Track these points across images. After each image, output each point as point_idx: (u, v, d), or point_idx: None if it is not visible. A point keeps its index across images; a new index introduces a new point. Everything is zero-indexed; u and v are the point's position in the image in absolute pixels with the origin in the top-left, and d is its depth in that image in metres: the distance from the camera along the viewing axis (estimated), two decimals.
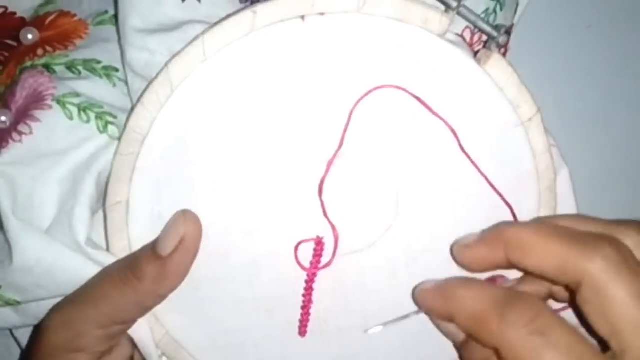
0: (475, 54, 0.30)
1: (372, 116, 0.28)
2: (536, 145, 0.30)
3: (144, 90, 0.27)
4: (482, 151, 0.29)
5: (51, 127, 0.29)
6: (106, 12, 0.32)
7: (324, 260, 0.29)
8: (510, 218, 0.30)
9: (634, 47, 0.44)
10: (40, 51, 0.31)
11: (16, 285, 0.28)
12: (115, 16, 0.31)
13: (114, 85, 0.31)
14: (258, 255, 0.29)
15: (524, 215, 0.30)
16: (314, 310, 0.29)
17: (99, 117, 0.29)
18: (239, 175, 0.28)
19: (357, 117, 0.28)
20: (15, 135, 0.29)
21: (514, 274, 0.29)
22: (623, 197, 0.45)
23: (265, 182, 0.28)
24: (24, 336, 0.32)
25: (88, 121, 0.29)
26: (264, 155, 0.28)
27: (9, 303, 0.29)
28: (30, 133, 0.29)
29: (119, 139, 0.28)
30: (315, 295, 0.29)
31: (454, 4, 0.28)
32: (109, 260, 0.28)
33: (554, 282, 0.25)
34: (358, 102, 0.28)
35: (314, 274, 0.29)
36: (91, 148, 0.29)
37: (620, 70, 0.44)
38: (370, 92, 0.28)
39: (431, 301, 0.27)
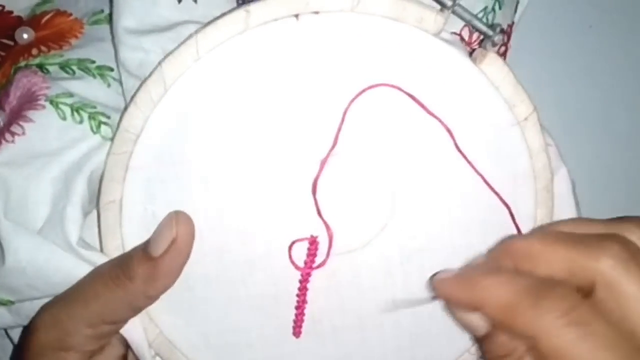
0: (471, 53, 0.30)
1: (367, 115, 0.28)
2: (532, 144, 0.30)
3: (137, 90, 0.27)
4: (477, 150, 0.30)
5: (44, 128, 0.29)
6: (102, 11, 0.33)
7: (319, 259, 0.29)
8: (508, 218, 0.31)
9: (635, 47, 0.45)
10: (34, 51, 0.31)
11: (9, 285, 0.28)
12: (110, 15, 0.31)
13: (108, 85, 0.31)
14: (252, 254, 0.29)
15: (521, 215, 0.31)
16: (308, 310, 0.30)
17: (92, 117, 0.30)
18: (232, 175, 0.28)
19: (351, 116, 0.28)
20: (7, 136, 0.29)
21: None
22: (623, 197, 0.45)
23: (259, 181, 0.28)
24: (19, 336, 0.33)
25: (81, 121, 0.30)
26: (258, 154, 0.28)
27: (2, 303, 0.29)
28: (23, 134, 0.29)
29: (112, 138, 0.28)
30: (309, 295, 0.30)
31: (449, 3, 0.29)
32: (101, 260, 0.28)
33: None
34: (352, 101, 0.28)
35: (308, 274, 0.29)
36: (84, 148, 0.29)
37: (621, 70, 0.45)
38: (364, 90, 0.28)
39: (454, 290, 0.26)
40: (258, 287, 0.29)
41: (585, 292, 0.24)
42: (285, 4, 0.27)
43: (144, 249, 0.27)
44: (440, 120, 0.29)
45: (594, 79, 0.45)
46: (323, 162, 0.28)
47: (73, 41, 0.32)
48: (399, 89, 0.28)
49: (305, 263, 0.29)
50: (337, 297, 0.30)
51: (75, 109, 0.30)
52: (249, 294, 0.29)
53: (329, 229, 0.29)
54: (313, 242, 0.29)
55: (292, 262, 0.29)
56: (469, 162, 0.29)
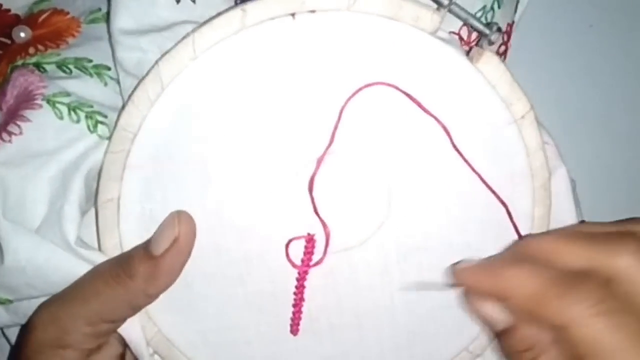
0: (468, 52, 0.31)
1: (364, 113, 0.29)
2: (529, 142, 0.31)
3: (135, 88, 0.28)
4: (474, 149, 0.30)
5: (41, 127, 0.30)
6: (99, 9, 0.33)
7: (316, 257, 0.30)
8: (505, 217, 0.32)
9: (636, 47, 0.45)
10: (32, 49, 0.32)
11: (8, 285, 0.29)
12: (108, 14, 0.32)
13: (105, 84, 0.32)
14: (249, 252, 0.30)
15: (519, 214, 0.31)
16: (305, 308, 0.30)
17: (88, 116, 0.31)
18: (229, 173, 0.29)
19: (348, 114, 0.29)
20: (5, 136, 0.30)
21: None
22: (623, 197, 0.46)
23: (256, 179, 0.29)
24: (15, 335, 0.33)
25: (78, 121, 0.30)
26: (255, 153, 0.29)
27: (0, 302, 0.30)
28: (21, 133, 0.30)
29: (110, 137, 0.29)
30: (307, 293, 0.30)
31: (446, 2, 0.29)
32: (99, 259, 0.29)
33: None
34: (349, 99, 0.29)
35: (305, 272, 0.30)
36: (81, 148, 0.30)
37: (621, 70, 0.45)
38: (360, 89, 0.29)
39: (477, 279, 0.26)
40: (256, 284, 0.30)
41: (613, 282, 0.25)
42: (281, 3, 0.28)
43: (145, 248, 0.28)
44: (437, 119, 0.30)
45: (594, 79, 0.45)
46: (320, 160, 0.29)
47: (70, 40, 0.32)
48: (396, 87, 0.29)
49: (302, 261, 0.30)
50: (335, 295, 0.31)
51: (72, 108, 0.30)
52: (247, 292, 0.30)
53: (325, 227, 0.30)
54: (310, 240, 0.30)
55: (289, 260, 0.30)
56: (465, 160, 0.30)
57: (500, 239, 0.31)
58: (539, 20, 0.43)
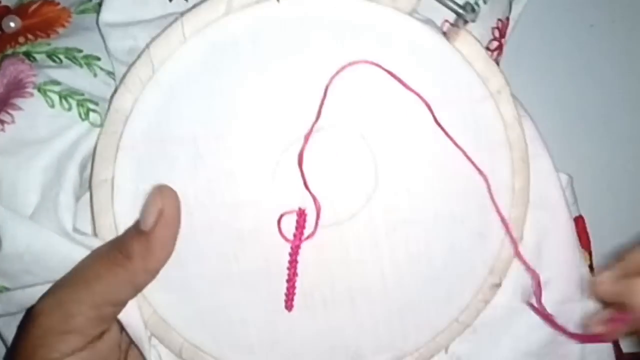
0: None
1: (349, 91, 0.31)
2: (506, 115, 0.33)
3: (126, 71, 0.30)
4: (455, 123, 0.32)
5: (33, 115, 0.31)
6: (90, 0, 0.35)
7: (307, 232, 0.32)
8: (489, 186, 0.34)
9: (636, 47, 0.47)
10: (21, 39, 0.33)
11: (5, 271, 0.30)
12: (99, 4, 0.34)
13: (95, 74, 0.33)
14: (242, 230, 0.31)
15: (499, 185, 0.34)
16: (299, 283, 0.32)
17: (80, 104, 0.32)
18: (220, 151, 0.31)
19: (333, 92, 0.31)
20: None
21: None
22: (623, 197, 0.47)
23: (246, 156, 0.31)
24: (5, 327, 0.34)
25: (69, 109, 0.32)
26: (244, 131, 0.31)
27: None
28: (13, 122, 0.31)
29: (103, 119, 0.30)
30: (300, 269, 0.32)
31: None
32: (96, 244, 0.30)
33: None
34: (333, 77, 0.31)
35: (298, 246, 0.31)
36: (73, 135, 0.31)
37: (622, 70, 0.46)
38: (345, 67, 0.31)
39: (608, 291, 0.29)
40: (249, 262, 0.32)
41: None
42: None
43: (135, 226, 0.29)
44: (419, 95, 0.32)
45: (594, 79, 0.46)
46: (307, 136, 0.31)
47: (60, 30, 0.34)
48: (378, 65, 0.31)
49: (295, 236, 0.31)
50: (327, 270, 0.32)
51: (63, 97, 0.32)
52: (241, 270, 0.32)
53: (316, 201, 0.31)
54: (301, 214, 0.31)
55: (282, 235, 0.31)
56: (447, 134, 0.32)
57: (483, 209, 0.33)
58: (538, 20, 0.44)
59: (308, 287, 0.32)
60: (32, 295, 0.30)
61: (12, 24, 0.33)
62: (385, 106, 0.32)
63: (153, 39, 0.30)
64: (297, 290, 0.32)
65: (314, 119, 0.31)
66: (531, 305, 0.34)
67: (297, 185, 0.31)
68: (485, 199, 0.33)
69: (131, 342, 0.32)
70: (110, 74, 0.33)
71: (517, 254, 0.34)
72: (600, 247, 0.40)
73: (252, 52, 0.30)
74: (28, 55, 0.33)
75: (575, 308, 0.35)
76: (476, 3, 0.35)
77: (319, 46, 0.31)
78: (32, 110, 0.31)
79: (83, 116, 0.32)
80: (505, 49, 0.39)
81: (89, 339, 0.29)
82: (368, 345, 0.34)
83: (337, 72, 0.31)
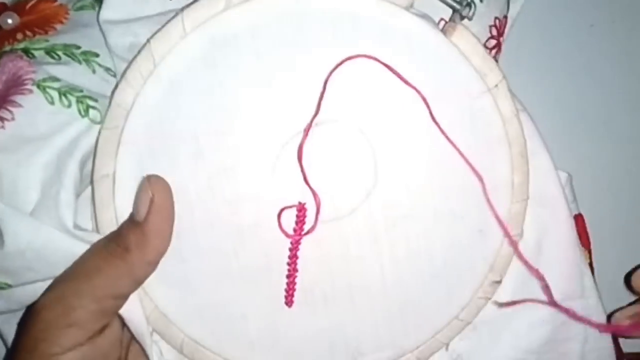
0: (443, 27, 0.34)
1: (347, 85, 0.32)
2: (504, 111, 0.34)
3: (128, 66, 0.31)
4: (453, 118, 0.33)
5: (33, 112, 0.32)
6: None
7: (307, 227, 0.32)
8: (487, 182, 0.34)
9: (636, 47, 0.47)
10: (20, 35, 0.34)
11: (8, 268, 0.31)
12: (97, 1, 0.35)
13: (94, 70, 0.34)
14: (242, 225, 0.32)
15: (498, 181, 0.34)
16: (299, 279, 0.33)
17: (79, 101, 0.33)
18: (220, 146, 0.31)
19: (333, 86, 0.32)
20: None
21: None
22: (623, 197, 0.47)
23: (246, 151, 0.32)
24: (5, 324, 0.35)
25: (69, 105, 0.33)
26: (244, 125, 0.32)
27: (0, 287, 0.31)
28: (13, 119, 0.32)
29: (104, 115, 0.31)
30: (300, 265, 0.33)
31: None
32: (97, 239, 0.31)
33: None
34: (332, 71, 0.32)
35: (298, 241, 0.32)
36: (73, 132, 0.32)
37: (622, 70, 0.47)
38: (343, 61, 0.32)
39: None
40: (249, 257, 0.32)
41: None
42: None
43: (130, 219, 0.30)
44: (416, 90, 0.33)
45: (594, 78, 0.47)
46: (306, 130, 0.32)
47: (58, 26, 0.34)
48: (377, 60, 0.32)
49: (295, 230, 0.32)
50: (327, 266, 0.33)
51: (63, 93, 0.32)
52: (241, 265, 0.32)
53: (316, 196, 0.32)
54: (301, 208, 0.32)
55: (282, 230, 0.32)
56: (442, 132, 0.33)
57: (483, 205, 0.34)
58: (538, 19, 0.45)
59: (308, 283, 0.33)
60: (33, 292, 0.31)
61: (9, 21, 0.34)
62: (384, 101, 0.33)
63: (154, 34, 0.30)
64: (297, 286, 0.33)
65: (313, 113, 0.32)
66: (544, 302, 0.34)
67: (297, 180, 0.32)
68: (483, 195, 0.34)
69: (132, 339, 0.33)
70: (109, 70, 0.34)
71: (518, 255, 0.34)
72: (600, 245, 0.41)
73: (251, 46, 0.31)
74: (26, 51, 0.33)
75: (576, 305, 0.36)
76: (472, 0, 0.35)
77: (318, 40, 0.32)
78: (32, 107, 0.32)
79: (83, 113, 0.32)
80: (504, 48, 0.40)
81: (91, 334, 0.30)
82: (368, 342, 0.35)
83: (336, 67, 0.32)
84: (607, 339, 0.37)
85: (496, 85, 0.34)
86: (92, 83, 0.34)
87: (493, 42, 0.38)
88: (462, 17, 0.33)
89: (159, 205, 0.30)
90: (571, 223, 0.37)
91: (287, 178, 0.32)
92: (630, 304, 0.39)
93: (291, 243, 0.32)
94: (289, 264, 0.33)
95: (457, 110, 0.33)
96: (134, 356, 0.33)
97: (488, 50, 0.37)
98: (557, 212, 0.36)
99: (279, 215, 0.32)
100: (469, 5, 0.33)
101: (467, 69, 0.33)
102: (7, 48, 0.34)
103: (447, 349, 0.36)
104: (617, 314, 0.34)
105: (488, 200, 0.34)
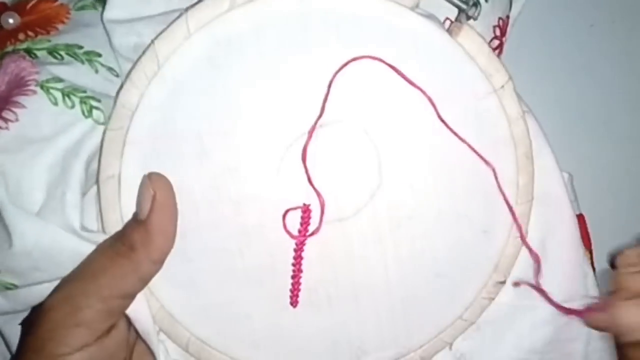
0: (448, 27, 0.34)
1: (352, 86, 0.32)
2: (510, 111, 0.34)
3: (132, 67, 0.31)
4: (458, 119, 0.33)
5: (36, 113, 0.32)
6: None
7: (312, 228, 0.33)
8: (490, 185, 0.35)
9: (636, 47, 0.48)
10: (21, 35, 0.34)
11: (15, 269, 0.31)
12: (100, 1, 0.35)
13: (96, 71, 0.34)
14: (247, 226, 0.32)
15: (503, 182, 0.35)
16: (304, 279, 0.33)
17: (83, 101, 0.33)
18: (225, 147, 0.32)
19: (337, 88, 0.32)
20: (1, 123, 0.31)
21: None
22: (623, 197, 0.48)
23: (251, 152, 0.32)
24: (6, 324, 0.35)
25: (72, 106, 0.33)
26: (248, 127, 0.32)
27: (7, 287, 0.31)
28: (17, 120, 0.32)
29: (109, 115, 0.31)
30: (304, 265, 0.33)
31: None
32: (103, 240, 0.31)
33: None
34: (337, 72, 0.32)
35: (303, 242, 0.32)
36: (77, 133, 0.32)
37: (622, 70, 0.47)
38: (348, 62, 0.32)
39: None
40: (254, 258, 0.33)
41: None
42: None
43: (133, 218, 0.31)
44: (422, 90, 0.33)
45: (594, 79, 0.47)
46: (311, 131, 0.32)
47: (60, 26, 0.34)
48: (382, 60, 0.32)
49: (299, 231, 0.32)
50: (331, 266, 0.34)
51: (66, 94, 0.32)
52: (246, 265, 0.33)
53: (320, 197, 0.32)
54: (306, 210, 0.32)
55: (287, 231, 0.32)
56: (449, 128, 0.33)
57: (487, 206, 0.35)
58: (539, 20, 0.45)
59: (312, 283, 0.33)
60: (39, 293, 0.31)
61: (10, 20, 0.34)
62: (389, 102, 0.33)
63: (158, 35, 0.31)
64: (302, 287, 0.33)
65: (317, 114, 0.32)
66: (530, 284, 0.34)
67: (302, 181, 0.32)
68: (489, 196, 0.35)
69: (136, 339, 0.33)
70: (111, 70, 0.34)
71: (523, 240, 0.35)
72: (600, 246, 0.41)
73: (255, 47, 0.31)
74: (29, 52, 0.33)
75: (579, 305, 0.36)
76: (477, 0, 0.36)
77: (323, 41, 0.32)
78: (35, 108, 0.32)
79: (86, 113, 0.32)
80: (505, 48, 0.40)
81: (98, 334, 0.30)
82: (372, 341, 0.35)
83: (341, 68, 0.32)
84: (610, 339, 0.37)
85: (502, 86, 0.34)
86: (95, 83, 0.34)
87: (496, 42, 0.39)
88: (469, 17, 0.33)
89: (161, 203, 0.30)
90: (575, 223, 0.37)
91: (292, 179, 0.32)
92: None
93: (296, 244, 0.33)
94: (293, 265, 0.33)
95: (462, 110, 0.34)
96: (139, 356, 0.33)
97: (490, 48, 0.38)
98: (561, 212, 0.37)
99: (283, 217, 0.32)
100: (475, 5, 0.33)
101: (473, 70, 0.33)
102: (10, 48, 0.34)
103: (450, 348, 0.37)
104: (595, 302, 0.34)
105: (499, 187, 0.34)
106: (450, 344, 0.36)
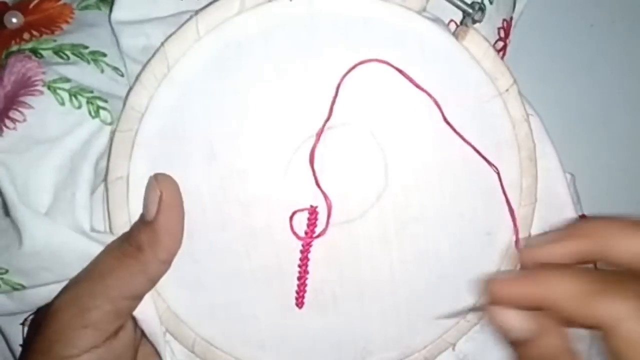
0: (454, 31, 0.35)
1: (359, 89, 0.33)
2: (514, 115, 0.35)
3: (142, 69, 0.31)
4: (463, 122, 0.34)
5: (43, 113, 0.32)
6: None
7: (318, 230, 0.33)
8: (493, 186, 0.35)
9: (636, 47, 0.48)
10: (26, 35, 0.34)
11: (23, 269, 0.31)
12: (104, 1, 0.35)
13: (102, 70, 0.34)
14: (254, 227, 0.33)
15: (507, 184, 0.35)
16: (310, 280, 0.34)
17: (89, 102, 0.33)
18: (233, 148, 0.32)
19: (345, 90, 0.32)
20: (8, 123, 0.32)
21: None
22: (623, 197, 0.48)
23: (259, 154, 0.32)
24: (8, 325, 0.35)
25: (79, 106, 0.33)
26: (257, 129, 0.32)
27: (15, 288, 0.32)
28: (24, 120, 0.32)
29: (118, 117, 0.32)
30: (310, 266, 0.33)
31: None
32: (111, 241, 0.31)
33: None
34: (344, 75, 0.32)
35: (309, 244, 0.33)
36: (84, 134, 0.32)
37: (622, 70, 0.48)
38: (355, 66, 0.32)
39: (515, 289, 0.26)
40: (261, 258, 0.33)
41: None
42: None
43: (141, 218, 0.31)
44: (428, 93, 0.33)
45: (594, 79, 0.48)
46: (319, 134, 0.32)
47: (64, 26, 0.34)
48: (388, 64, 0.33)
49: (306, 233, 0.33)
50: (337, 267, 0.34)
51: (73, 94, 0.33)
52: (253, 266, 0.33)
53: (327, 199, 0.33)
54: (313, 212, 0.33)
55: (294, 232, 0.33)
56: (456, 131, 0.34)
57: (491, 208, 0.35)
58: (539, 20, 0.45)
59: (318, 284, 0.34)
60: (46, 294, 0.32)
61: (14, 20, 0.34)
62: (395, 104, 0.33)
63: (168, 37, 0.31)
64: (307, 288, 0.34)
65: (325, 117, 0.32)
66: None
67: (309, 183, 0.33)
68: (493, 198, 0.35)
69: (141, 340, 0.33)
70: (117, 69, 0.34)
71: (517, 244, 0.35)
72: None
73: (264, 50, 0.32)
74: (35, 51, 0.33)
75: None
76: (482, 2, 0.36)
77: (331, 45, 0.32)
78: (42, 108, 0.32)
79: (93, 114, 0.33)
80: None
81: (106, 335, 0.30)
82: (376, 342, 0.36)
83: (348, 71, 0.32)
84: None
85: (507, 90, 0.34)
86: (102, 83, 0.34)
87: (500, 44, 0.39)
88: (474, 21, 0.34)
89: (168, 203, 0.31)
90: None
91: (299, 181, 0.33)
92: None
93: (302, 245, 0.33)
94: (300, 266, 0.33)
95: (467, 113, 0.34)
96: (144, 356, 0.34)
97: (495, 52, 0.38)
98: (563, 213, 0.37)
99: (290, 218, 0.33)
100: (481, 9, 0.33)
101: (479, 73, 0.34)
102: (15, 48, 0.34)
103: (454, 349, 0.37)
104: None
105: (503, 189, 0.35)
106: (454, 345, 0.37)
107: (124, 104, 0.31)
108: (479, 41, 0.34)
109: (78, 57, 0.34)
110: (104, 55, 0.34)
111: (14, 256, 0.31)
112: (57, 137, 0.32)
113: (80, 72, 0.33)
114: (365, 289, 0.35)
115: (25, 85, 0.33)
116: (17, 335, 0.37)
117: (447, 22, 0.36)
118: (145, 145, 0.31)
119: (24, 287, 0.32)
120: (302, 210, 0.33)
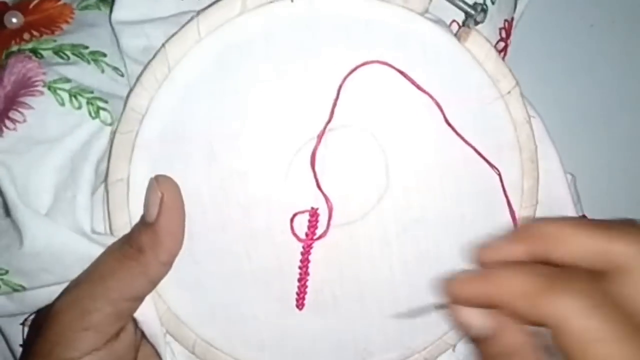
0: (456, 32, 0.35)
1: (361, 91, 0.33)
2: (516, 116, 0.35)
3: (143, 70, 0.31)
4: (464, 124, 0.34)
5: (43, 114, 0.32)
6: None
7: (319, 231, 0.33)
8: (495, 189, 0.35)
9: (636, 47, 0.48)
10: (26, 35, 0.34)
11: (24, 269, 0.31)
12: (104, 1, 0.35)
13: (102, 70, 0.34)
14: (255, 228, 0.33)
15: (508, 186, 0.35)
16: (310, 282, 0.34)
17: (90, 102, 0.33)
18: (234, 150, 0.32)
19: (346, 92, 0.32)
20: (8, 123, 0.32)
21: None
22: (623, 197, 0.49)
23: (259, 156, 0.32)
24: (8, 325, 0.35)
25: (79, 107, 0.33)
26: (257, 131, 0.32)
27: (15, 289, 0.32)
28: (24, 120, 0.32)
29: (118, 119, 0.31)
30: (311, 268, 0.33)
31: None
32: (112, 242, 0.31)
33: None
34: (346, 77, 0.32)
35: (310, 245, 0.33)
36: (84, 134, 0.32)
37: (622, 70, 0.48)
38: (357, 67, 0.32)
39: (470, 288, 0.27)
40: (262, 260, 0.33)
41: (605, 276, 0.25)
42: None
43: (141, 220, 0.31)
44: (429, 95, 0.33)
45: (594, 79, 0.48)
46: (320, 136, 0.32)
47: (64, 26, 0.34)
48: (390, 65, 0.33)
49: (307, 235, 0.33)
50: (338, 269, 0.34)
51: (73, 95, 0.32)
52: (253, 267, 0.33)
53: (328, 201, 0.33)
54: (314, 214, 0.33)
55: (294, 234, 0.33)
56: (457, 133, 0.34)
57: (492, 210, 0.35)
58: (539, 19, 0.45)
59: (319, 286, 0.34)
60: (47, 295, 0.32)
61: (14, 20, 0.34)
62: (397, 106, 0.33)
63: (169, 38, 0.31)
64: (308, 289, 0.34)
65: (326, 119, 0.32)
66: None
67: (310, 185, 0.33)
68: (494, 200, 0.35)
69: (141, 341, 0.33)
70: (117, 69, 0.34)
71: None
72: None
73: (265, 51, 0.32)
74: (35, 52, 0.33)
75: None
76: (485, 3, 0.36)
77: (332, 46, 0.32)
78: (43, 109, 0.32)
79: (93, 114, 0.33)
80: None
81: (107, 337, 0.30)
82: (377, 343, 0.36)
83: (350, 73, 0.32)
84: None
85: (509, 92, 0.34)
86: (102, 83, 0.34)
87: (502, 44, 0.39)
88: (477, 23, 0.34)
89: (169, 205, 0.31)
90: None
91: (300, 182, 0.33)
92: None
93: (303, 247, 0.33)
94: (300, 268, 0.33)
95: (469, 115, 0.34)
96: (144, 357, 0.34)
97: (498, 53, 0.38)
98: (564, 214, 0.37)
99: (291, 220, 0.33)
100: (483, 10, 0.33)
101: (481, 75, 0.34)
102: (15, 48, 0.34)
103: (454, 350, 0.37)
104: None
105: (504, 191, 0.35)
106: (454, 346, 0.37)
107: (125, 106, 0.31)
108: (481, 43, 0.34)
109: (78, 57, 0.34)
110: (104, 55, 0.34)
111: (14, 257, 0.31)
112: (57, 137, 0.32)
113: (81, 73, 0.33)
114: (366, 290, 0.35)
115: (25, 86, 0.33)
116: (17, 335, 0.37)
117: (448, 22, 0.36)
118: (145, 147, 0.31)
119: (24, 289, 0.32)
120: (302, 212, 0.33)
